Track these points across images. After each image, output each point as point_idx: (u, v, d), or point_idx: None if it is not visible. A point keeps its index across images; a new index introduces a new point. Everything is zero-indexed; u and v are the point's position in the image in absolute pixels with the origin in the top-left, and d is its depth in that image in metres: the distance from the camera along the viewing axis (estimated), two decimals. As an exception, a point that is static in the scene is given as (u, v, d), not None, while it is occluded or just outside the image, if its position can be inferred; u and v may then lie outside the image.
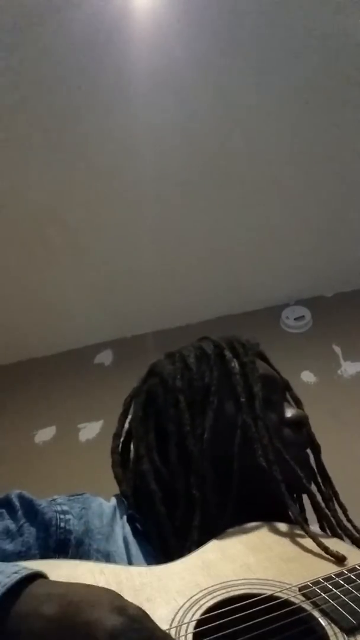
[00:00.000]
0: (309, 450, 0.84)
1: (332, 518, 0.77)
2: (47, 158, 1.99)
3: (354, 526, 0.77)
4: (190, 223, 2.27)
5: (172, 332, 2.55)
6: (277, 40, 1.76)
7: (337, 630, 0.51)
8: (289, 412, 0.82)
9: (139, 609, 0.44)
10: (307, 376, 2.34)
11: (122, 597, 0.45)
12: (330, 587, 0.56)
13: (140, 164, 2.03)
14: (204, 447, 0.74)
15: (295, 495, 0.80)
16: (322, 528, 0.79)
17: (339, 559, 0.64)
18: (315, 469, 0.83)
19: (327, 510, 0.78)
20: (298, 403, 0.88)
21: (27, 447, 2.39)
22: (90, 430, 2.37)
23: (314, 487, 0.80)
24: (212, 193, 2.17)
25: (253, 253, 2.41)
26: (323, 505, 0.79)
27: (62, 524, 0.66)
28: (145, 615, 0.44)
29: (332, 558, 0.64)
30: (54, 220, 2.18)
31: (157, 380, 0.83)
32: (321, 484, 0.83)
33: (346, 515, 0.79)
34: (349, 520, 0.78)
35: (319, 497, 0.79)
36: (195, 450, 0.74)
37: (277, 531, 0.70)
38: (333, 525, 0.77)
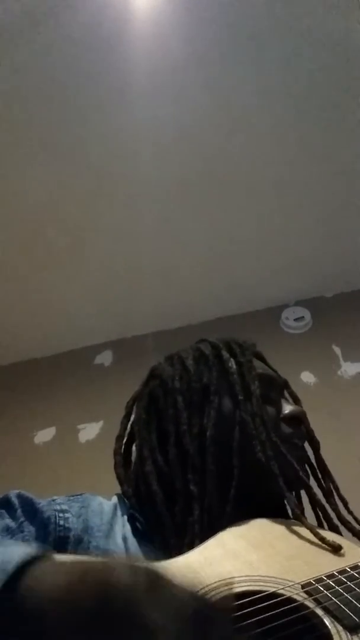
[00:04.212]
0: (308, 446, 0.84)
1: (331, 511, 0.78)
2: (47, 158, 1.99)
3: (354, 518, 0.77)
4: (190, 223, 2.27)
5: (172, 333, 2.55)
6: (278, 40, 1.76)
7: (340, 628, 0.51)
8: (287, 409, 0.83)
9: (153, 567, 0.43)
10: (307, 377, 2.34)
11: (135, 561, 0.44)
12: (333, 584, 0.56)
13: (140, 164, 2.03)
14: (206, 444, 0.75)
15: (294, 492, 0.81)
16: (320, 524, 0.79)
17: (335, 549, 0.64)
18: (315, 464, 0.84)
19: (325, 503, 0.79)
20: (296, 400, 0.89)
21: (27, 447, 2.38)
22: (90, 431, 2.37)
23: (313, 483, 0.81)
24: (212, 193, 2.17)
25: (253, 253, 2.41)
26: (322, 499, 0.80)
27: (62, 522, 0.66)
28: (160, 574, 0.43)
29: (328, 548, 0.64)
30: (54, 220, 2.18)
31: (157, 383, 0.84)
32: (321, 479, 0.83)
33: (347, 508, 0.80)
34: (350, 513, 0.79)
35: (318, 492, 0.80)
36: (191, 449, 0.74)
37: (279, 528, 0.69)
38: (331, 518, 0.78)
